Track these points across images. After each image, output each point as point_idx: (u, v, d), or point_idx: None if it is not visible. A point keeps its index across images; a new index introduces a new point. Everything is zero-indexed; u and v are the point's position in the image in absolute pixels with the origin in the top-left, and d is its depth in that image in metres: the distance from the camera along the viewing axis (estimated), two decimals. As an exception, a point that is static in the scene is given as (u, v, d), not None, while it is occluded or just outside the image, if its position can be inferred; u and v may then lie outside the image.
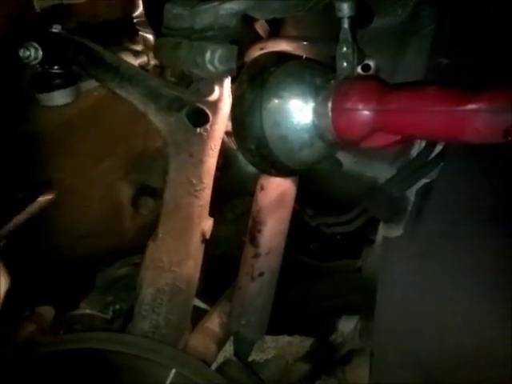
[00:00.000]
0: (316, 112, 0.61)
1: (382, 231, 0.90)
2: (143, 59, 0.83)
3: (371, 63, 0.87)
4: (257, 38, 0.81)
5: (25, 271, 1.10)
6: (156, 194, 1.14)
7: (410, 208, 0.86)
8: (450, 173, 0.82)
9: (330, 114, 0.60)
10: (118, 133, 1.10)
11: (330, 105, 0.60)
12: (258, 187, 0.86)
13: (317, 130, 0.62)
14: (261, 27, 0.90)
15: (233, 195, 1.19)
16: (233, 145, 0.93)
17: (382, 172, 0.89)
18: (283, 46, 0.79)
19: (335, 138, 0.61)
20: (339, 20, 0.77)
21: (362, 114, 0.57)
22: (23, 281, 1.09)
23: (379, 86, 0.58)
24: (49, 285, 1.12)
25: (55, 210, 1.10)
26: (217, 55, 0.58)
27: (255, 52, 0.79)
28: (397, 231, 0.86)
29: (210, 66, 0.59)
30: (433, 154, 0.81)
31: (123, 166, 1.12)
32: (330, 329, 1.08)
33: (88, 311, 0.77)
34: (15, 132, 1.00)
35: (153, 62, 0.84)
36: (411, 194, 0.85)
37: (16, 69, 0.84)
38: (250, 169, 1.06)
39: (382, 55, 0.88)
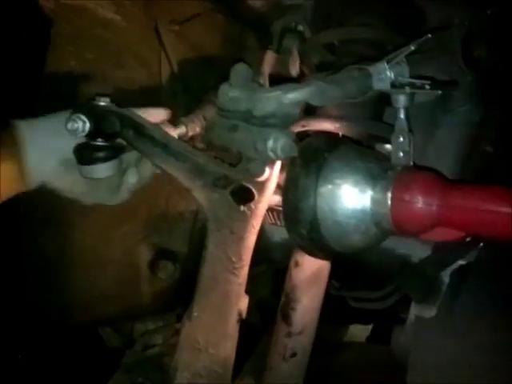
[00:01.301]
0: (374, 201, 0.61)
1: (415, 311, 0.88)
2: (182, 130, 0.82)
3: (401, 139, 0.88)
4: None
5: (38, 329, 1.07)
6: (176, 257, 1.12)
7: (444, 289, 0.85)
8: (487, 256, 0.82)
9: (388, 204, 0.59)
10: (140, 195, 1.08)
11: (389, 195, 0.59)
12: (292, 263, 0.84)
13: (373, 218, 0.61)
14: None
15: (255, 263, 1.17)
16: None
17: (415, 250, 0.89)
18: (326, 125, 0.79)
19: (392, 227, 0.61)
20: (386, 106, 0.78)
21: (425, 208, 0.57)
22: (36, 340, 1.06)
23: (440, 180, 0.58)
24: (61, 346, 1.09)
25: (71, 269, 1.08)
26: (280, 144, 0.58)
27: (297, 129, 0.79)
28: (430, 312, 0.85)
29: (271, 154, 0.58)
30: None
31: (143, 228, 1.11)
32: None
33: (119, 395, 0.73)
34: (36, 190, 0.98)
35: (191, 132, 0.84)
36: (446, 275, 0.84)
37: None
38: (276, 238, 1.04)
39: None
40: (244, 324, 0.91)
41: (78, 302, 1.09)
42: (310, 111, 0.84)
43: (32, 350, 1.10)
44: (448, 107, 0.88)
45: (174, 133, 0.80)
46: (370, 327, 1.42)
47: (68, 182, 0.71)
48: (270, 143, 0.58)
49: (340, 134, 0.80)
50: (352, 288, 0.99)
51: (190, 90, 1.00)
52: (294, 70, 0.92)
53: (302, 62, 0.93)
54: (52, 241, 1.03)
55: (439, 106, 0.88)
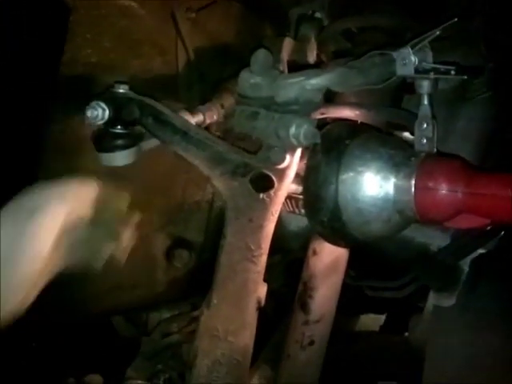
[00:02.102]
0: (397, 188, 0.60)
1: (433, 300, 0.88)
2: (199, 118, 0.81)
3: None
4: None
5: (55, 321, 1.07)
6: (191, 246, 1.12)
7: (463, 278, 0.84)
8: (507, 245, 0.81)
9: (412, 191, 0.59)
10: (157, 184, 1.08)
11: (412, 182, 0.59)
12: (310, 251, 0.84)
13: (395, 206, 0.61)
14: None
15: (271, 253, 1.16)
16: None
17: (435, 238, 0.88)
18: (345, 112, 0.78)
19: (415, 215, 0.60)
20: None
21: (449, 195, 0.56)
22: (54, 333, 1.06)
23: (465, 167, 0.58)
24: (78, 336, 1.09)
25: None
26: (302, 130, 0.57)
27: (316, 116, 0.78)
28: (449, 301, 0.84)
29: (293, 140, 0.58)
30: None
31: (160, 217, 1.10)
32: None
33: (140, 382, 0.73)
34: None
35: (208, 120, 0.83)
36: (465, 263, 0.83)
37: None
38: (293, 227, 1.04)
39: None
40: (259, 313, 0.91)
41: (93, 290, 1.09)
42: (328, 98, 0.83)
43: (43, 341, 1.11)
44: (468, 95, 0.87)
45: (192, 120, 0.80)
46: (382, 317, 1.42)
47: None
48: (293, 130, 0.58)
49: (359, 121, 0.79)
50: (368, 277, 0.99)
51: (205, 78, 0.99)
52: (311, 57, 0.91)
53: (319, 50, 0.92)
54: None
55: (459, 94, 0.87)
